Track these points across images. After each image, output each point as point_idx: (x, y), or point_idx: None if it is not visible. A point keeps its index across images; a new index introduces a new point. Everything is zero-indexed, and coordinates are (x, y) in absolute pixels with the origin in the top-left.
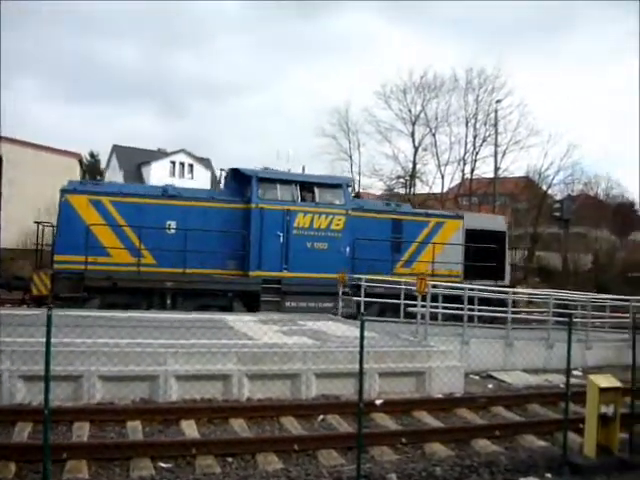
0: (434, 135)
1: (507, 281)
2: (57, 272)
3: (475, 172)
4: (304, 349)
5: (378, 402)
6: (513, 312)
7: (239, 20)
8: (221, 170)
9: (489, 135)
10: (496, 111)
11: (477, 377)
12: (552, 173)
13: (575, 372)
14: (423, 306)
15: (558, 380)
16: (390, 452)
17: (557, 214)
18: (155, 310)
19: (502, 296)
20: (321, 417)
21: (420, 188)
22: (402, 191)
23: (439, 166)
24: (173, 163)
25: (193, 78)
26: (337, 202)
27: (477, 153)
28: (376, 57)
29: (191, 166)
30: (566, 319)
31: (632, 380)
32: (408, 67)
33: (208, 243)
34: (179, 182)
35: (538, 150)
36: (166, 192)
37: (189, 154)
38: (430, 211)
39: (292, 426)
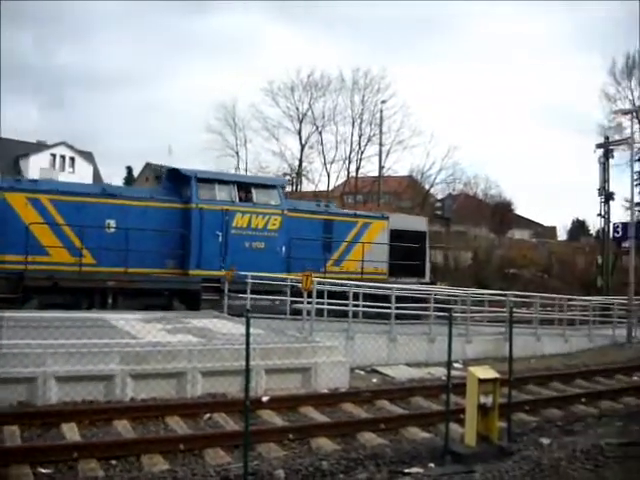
0: (320, 133)
1: (427, 278)
2: None
3: (360, 170)
4: (189, 347)
5: (265, 399)
6: (397, 308)
7: (124, 14)
8: (160, 168)
9: (374, 134)
10: (381, 111)
11: (362, 372)
12: (434, 173)
13: (456, 365)
14: (309, 302)
15: (440, 373)
16: (277, 448)
17: (439, 212)
18: (51, 310)
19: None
20: (207, 416)
21: (306, 186)
22: (288, 189)
23: (325, 164)
24: (54, 156)
25: (79, 71)
26: (273, 202)
27: (362, 152)
28: (265, 56)
29: (72, 159)
30: (447, 314)
31: (509, 371)
32: (296, 66)
33: (148, 242)
34: (60, 176)
35: (421, 150)
36: (105, 191)
37: (70, 147)
38: (358, 212)
39: (178, 426)
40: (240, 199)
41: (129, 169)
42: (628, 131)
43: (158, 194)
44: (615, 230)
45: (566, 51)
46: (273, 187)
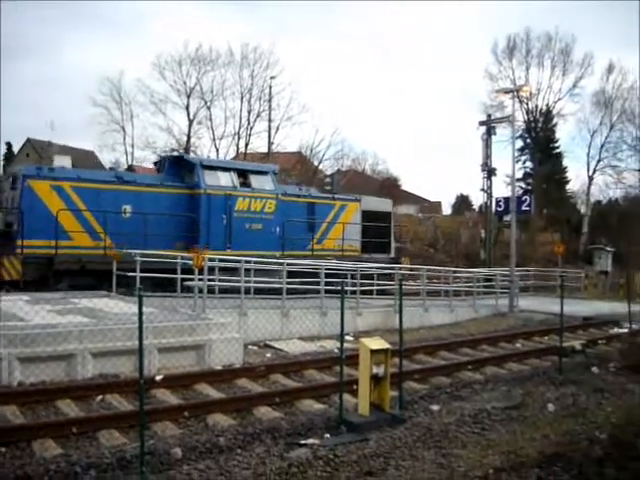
0: (209, 109)
1: (393, 254)
2: (26, 257)
3: (250, 146)
4: (80, 328)
5: (158, 378)
6: (289, 283)
7: None
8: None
9: (263, 110)
10: (270, 87)
11: (256, 347)
12: (323, 149)
13: (348, 337)
14: (201, 280)
15: (332, 345)
16: (173, 427)
17: (327, 188)
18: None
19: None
20: (100, 397)
21: None
22: None
23: (214, 140)
24: None
25: None
26: (268, 187)
27: (252, 128)
28: (154, 29)
29: None
30: (338, 287)
31: (400, 342)
32: (184, 39)
33: (160, 226)
34: None
35: (310, 126)
36: (122, 178)
37: None
38: (336, 195)
39: (69, 409)
40: (241, 184)
41: (8, 145)
42: (509, 109)
43: (166, 180)
44: (497, 204)
45: (454, 31)
46: (266, 173)
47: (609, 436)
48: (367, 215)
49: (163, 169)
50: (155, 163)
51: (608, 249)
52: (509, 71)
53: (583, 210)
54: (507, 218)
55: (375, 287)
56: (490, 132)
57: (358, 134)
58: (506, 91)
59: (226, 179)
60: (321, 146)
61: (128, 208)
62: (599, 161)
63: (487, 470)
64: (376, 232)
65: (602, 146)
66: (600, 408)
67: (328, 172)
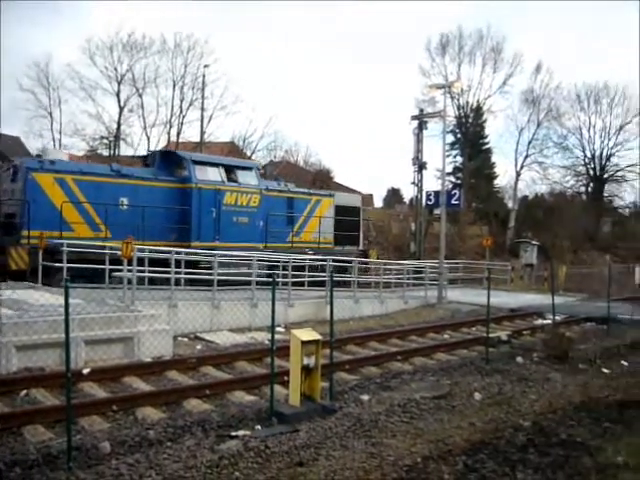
0: (141, 96)
1: (361, 246)
2: (32, 247)
3: (182, 136)
4: (2, 320)
5: (86, 371)
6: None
7: None
8: (149, 152)
9: (196, 99)
10: (204, 76)
11: (186, 339)
12: (256, 139)
13: (279, 329)
14: (130, 270)
15: (263, 337)
16: (101, 421)
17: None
18: None
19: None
20: (24, 392)
21: (125, 150)
22: (106, 153)
23: (145, 128)
24: None
25: None
26: (253, 183)
27: (184, 117)
28: (85, 14)
29: None
30: (270, 279)
31: (330, 333)
32: (116, 24)
33: (155, 218)
34: None
35: (243, 117)
36: (119, 172)
37: None
38: (312, 190)
39: None
40: (228, 180)
41: None
42: (441, 104)
43: (159, 174)
44: (427, 198)
45: (389, 26)
46: (251, 169)
47: (533, 423)
48: (339, 210)
49: (153, 163)
50: (143, 157)
51: (534, 243)
52: (442, 67)
53: (510, 205)
54: (437, 211)
55: (306, 279)
56: (422, 127)
57: (292, 126)
58: (438, 87)
59: (215, 174)
60: (254, 137)
61: (125, 201)
62: (526, 157)
63: (416, 458)
64: (347, 226)
65: (529, 143)
66: (524, 396)
67: (261, 162)
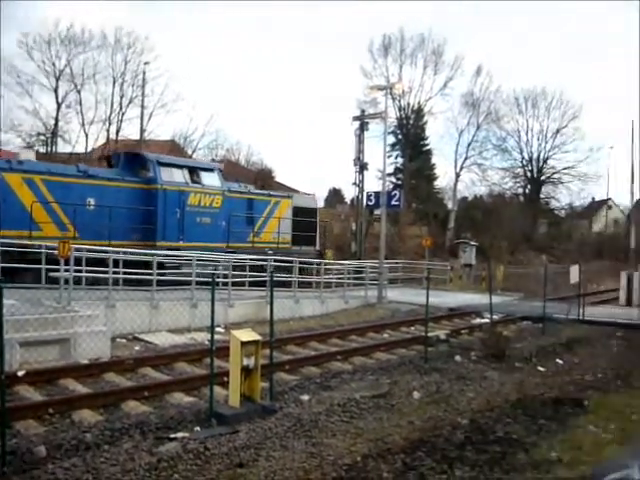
0: (79, 92)
1: (318, 246)
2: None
3: (121, 133)
4: None
5: (21, 373)
6: (158, 274)
7: None
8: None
9: (136, 96)
10: (144, 73)
11: (124, 340)
12: (197, 138)
13: (218, 329)
14: (67, 270)
15: (203, 337)
16: (37, 424)
17: None
18: None
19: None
20: None
21: (62, 147)
22: (42, 149)
23: (83, 125)
24: None
25: None
26: (216, 184)
27: (123, 114)
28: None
29: None
30: (209, 279)
31: (270, 333)
32: (55, 18)
33: (121, 218)
34: None
35: (184, 115)
36: (86, 172)
37: None
38: (272, 192)
39: None
40: (192, 181)
41: None
42: (382, 106)
43: (125, 175)
44: (368, 198)
45: (332, 27)
46: (213, 171)
47: (470, 421)
48: (297, 211)
49: (118, 164)
50: (106, 157)
51: (472, 243)
52: (383, 69)
53: (450, 205)
54: (377, 212)
55: (247, 279)
56: (363, 127)
57: (233, 124)
58: (379, 88)
59: (179, 176)
60: (195, 135)
61: (92, 201)
62: (466, 159)
63: (355, 457)
64: (304, 227)
65: (469, 145)
66: (462, 395)
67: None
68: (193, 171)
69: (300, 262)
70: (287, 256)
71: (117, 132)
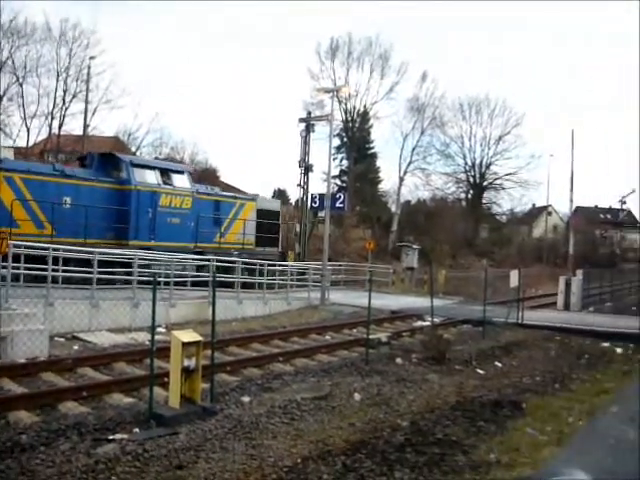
0: (21, 85)
1: (281, 248)
2: None
3: (64, 128)
4: None
5: None
6: (101, 273)
7: None
8: (87, 153)
9: (80, 91)
10: (89, 67)
11: (63, 339)
12: (141, 135)
13: (160, 329)
14: (4, 267)
15: (143, 338)
16: None
17: None
18: None
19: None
20: None
21: (3, 141)
22: None
23: (25, 119)
24: None
25: None
26: (186, 186)
27: (67, 108)
28: None
29: None
30: (151, 278)
31: (212, 334)
32: None
33: (96, 217)
34: None
35: (129, 111)
36: (63, 172)
37: None
38: (237, 195)
39: None
40: (163, 182)
41: None
42: (329, 108)
43: (99, 175)
44: (313, 200)
45: (281, 29)
46: (183, 173)
47: (410, 423)
48: (261, 213)
49: (91, 164)
50: (79, 157)
51: (415, 246)
52: (330, 71)
53: (394, 209)
54: (322, 214)
55: (189, 279)
56: (309, 129)
57: (179, 123)
58: (326, 90)
59: (151, 177)
60: (140, 132)
61: (68, 200)
62: (410, 163)
63: (296, 459)
64: (268, 228)
65: (413, 149)
66: (403, 397)
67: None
68: (164, 173)
69: (245, 263)
70: (252, 257)
71: (60, 127)
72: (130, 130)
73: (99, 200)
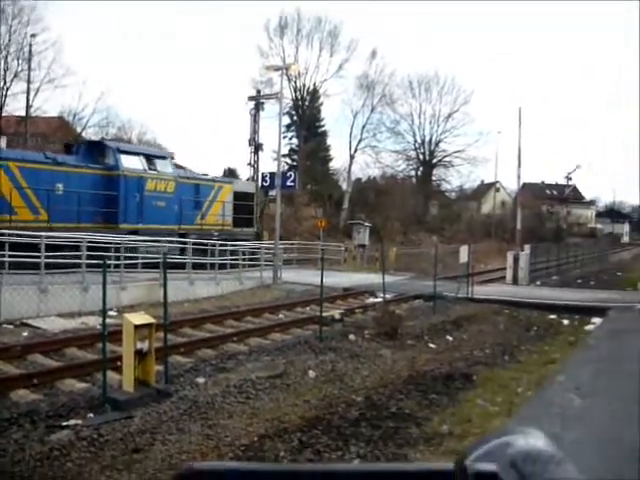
0: None
1: (256, 228)
2: None
3: (5, 109)
4: None
5: None
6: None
7: None
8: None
9: (22, 70)
10: (30, 45)
11: (11, 326)
12: (87, 115)
13: (111, 312)
14: None
15: (95, 322)
16: None
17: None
18: None
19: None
20: None
21: None
22: None
23: None
24: None
25: None
26: (169, 171)
27: (8, 88)
28: None
29: None
30: (101, 261)
31: (164, 315)
32: None
33: (87, 202)
34: None
35: (73, 91)
36: (55, 159)
37: None
38: (215, 178)
39: None
40: (148, 168)
41: None
42: (278, 86)
43: (88, 162)
44: (263, 179)
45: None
46: (166, 158)
47: (365, 398)
48: (237, 195)
49: (78, 151)
50: (66, 145)
51: (366, 224)
52: (280, 49)
53: (344, 187)
54: (273, 193)
55: (140, 261)
56: (258, 107)
57: (126, 102)
58: (275, 68)
59: (137, 163)
60: (85, 112)
61: (61, 186)
62: (360, 141)
63: (252, 438)
64: (244, 210)
65: (363, 127)
66: (357, 373)
67: (93, 139)
68: (149, 158)
69: (195, 244)
70: (230, 237)
71: (1, 108)
72: (75, 110)
73: (89, 186)
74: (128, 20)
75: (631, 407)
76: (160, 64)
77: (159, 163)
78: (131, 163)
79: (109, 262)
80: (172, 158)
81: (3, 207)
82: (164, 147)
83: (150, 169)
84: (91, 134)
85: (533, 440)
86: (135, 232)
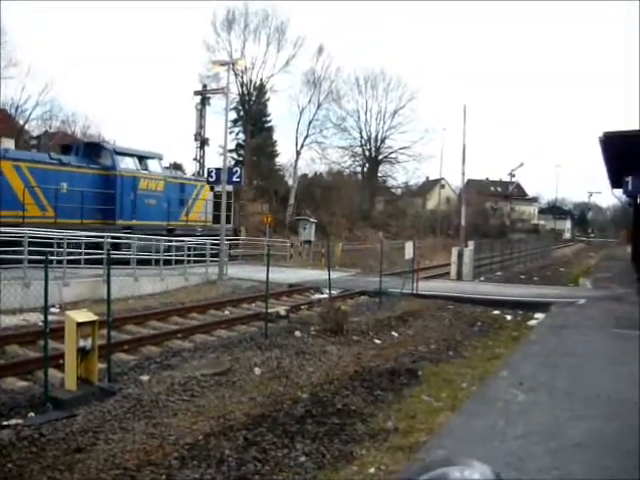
0: None
1: (233, 225)
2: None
3: None
4: None
5: None
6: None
7: None
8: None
9: None
10: None
11: None
12: (30, 108)
13: (53, 309)
14: None
15: (36, 319)
16: None
17: (35, 150)
18: None
19: None
20: None
21: None
22: None
23: None
24: None
25: None
26: (159, 171)
27: None
28: None
29: None
30: (43, 257)
31: (107, 313)
32: None
33: (88, 200)
34: None
35: (16, 82)
36: (60, 160)
37: None
38: (198, 177)
39: None
40: (141, 168)
41: None
42: (224, 81)
43: (87, 162)
44: (209, 174)
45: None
46: (155, 159)
47: (310, 395)
48: (217, 193)
49: (77, 152)
50: (63, 146)
51: (312, 220)
52: (226, 43)
53: (291, 182)
54: (218, 188)
55: (83, 256)
56: (205, 102)
57: (70, 95)
58: (222, 63)
59: (131, 163)
60: (28, 104)
61: (65, 185)
62: (306, 137)
63: (197, 436)
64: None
65: (310, 123)
66: (302, 369)
67: (35, 133)
68: (141, 159)
69: (141, 239)
70: (211, 233)
71: None
72: (17, 103)
73: (89, 185)
74: (74, 12)
75: (573, 402)
76: (105, 57)
77: (150, 163)
78: (126, 164)
79: (51, 257)
80: (160, 159)
81: (17, 205)
82: (108, 141)
83: (142, 169)
84: (34, 127)
85: (469, 473)
86: (129, 228)
